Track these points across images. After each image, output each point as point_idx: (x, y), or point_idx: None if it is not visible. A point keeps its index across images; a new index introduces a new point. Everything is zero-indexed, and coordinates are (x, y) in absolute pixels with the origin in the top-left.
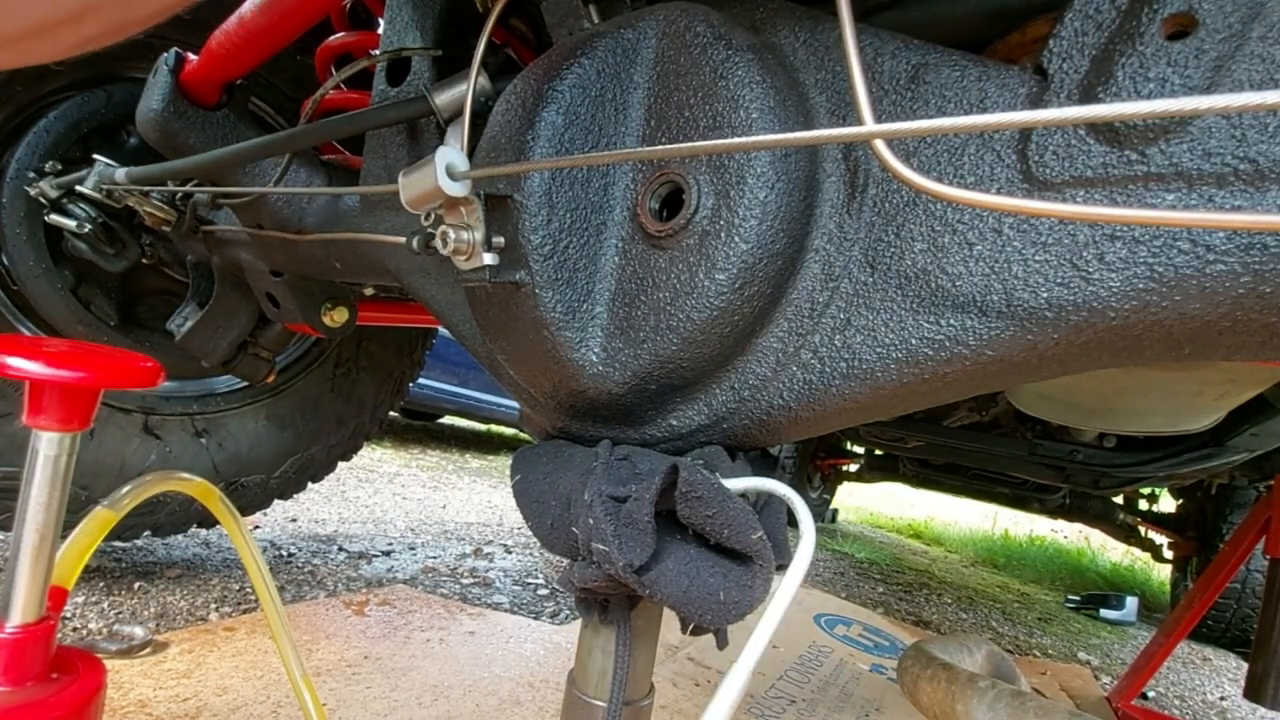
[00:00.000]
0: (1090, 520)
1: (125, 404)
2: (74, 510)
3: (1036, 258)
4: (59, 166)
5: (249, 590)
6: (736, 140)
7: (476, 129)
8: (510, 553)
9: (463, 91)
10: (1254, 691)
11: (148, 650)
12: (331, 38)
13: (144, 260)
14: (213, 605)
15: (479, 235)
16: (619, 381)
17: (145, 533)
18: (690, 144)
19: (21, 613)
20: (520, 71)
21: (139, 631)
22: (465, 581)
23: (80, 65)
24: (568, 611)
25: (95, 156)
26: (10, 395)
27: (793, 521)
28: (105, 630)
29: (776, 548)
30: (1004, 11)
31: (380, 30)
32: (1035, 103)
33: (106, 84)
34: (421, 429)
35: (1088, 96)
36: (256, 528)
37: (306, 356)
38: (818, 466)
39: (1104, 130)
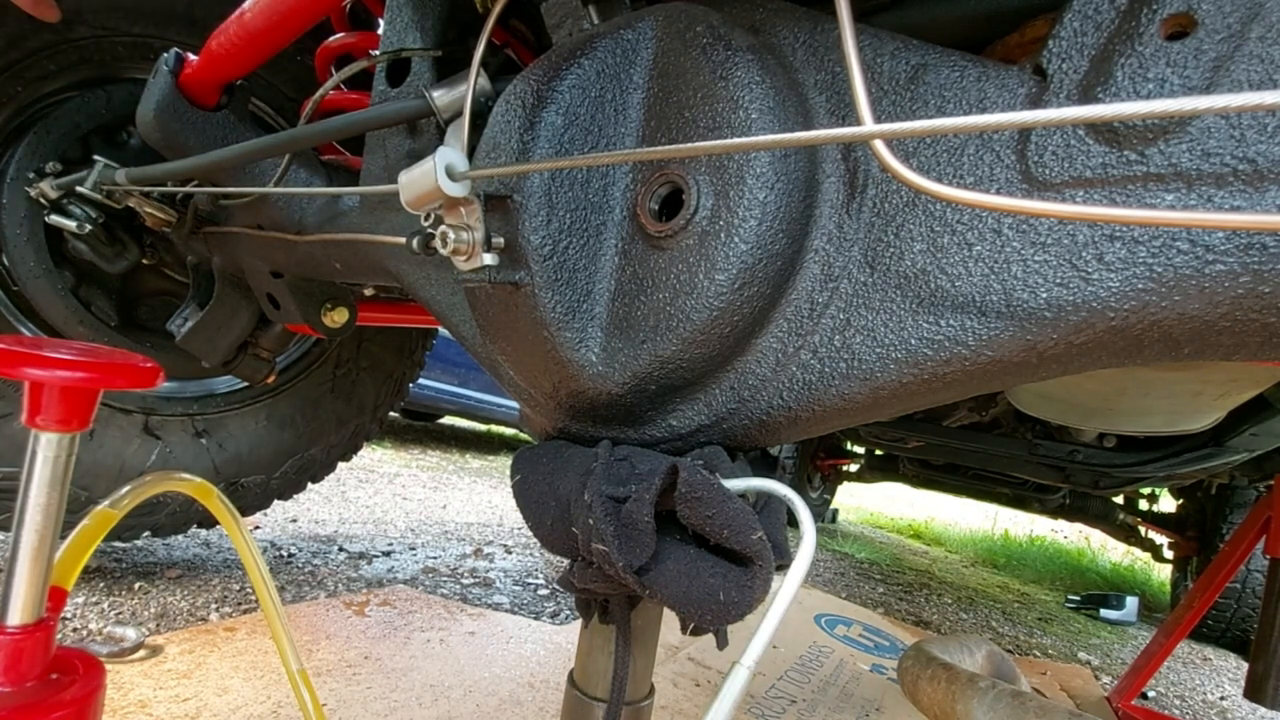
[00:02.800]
0: (1090, 520)
1: (125, 405)
2: (74, 510)
3: (1036, 258)
4: (59, 167)
5: (249, 590)
6: (736, 140)
7: (476, 129)
8: (510, 553)
9: (462, 92)
10: (1254, 691)
11: (140, 653)
12: (331, 38)
13: (144, 261)
14: (213, 605)
15: (479, 235)
16: (618, 382)
17: (144, 533)
18: (690, 144)
19: (21, 613)
20: (520, 72)
21: (131, 633)
22: (465, 582)
23: (80, 66)
24: (568, 611)
25: (95, 157)
26: (11, 395)
27: (793, 522)
28: (101, 632)
29: (776, 548)
30: (1003, 12)
31: (380, 31)
32: (1034, 103)
33: (107, 84)
34: (421, 429)
35: (1087, 97)
36: (256, 528)
37: (307, 357)
38: (818, 466)
39: (1103, 130)
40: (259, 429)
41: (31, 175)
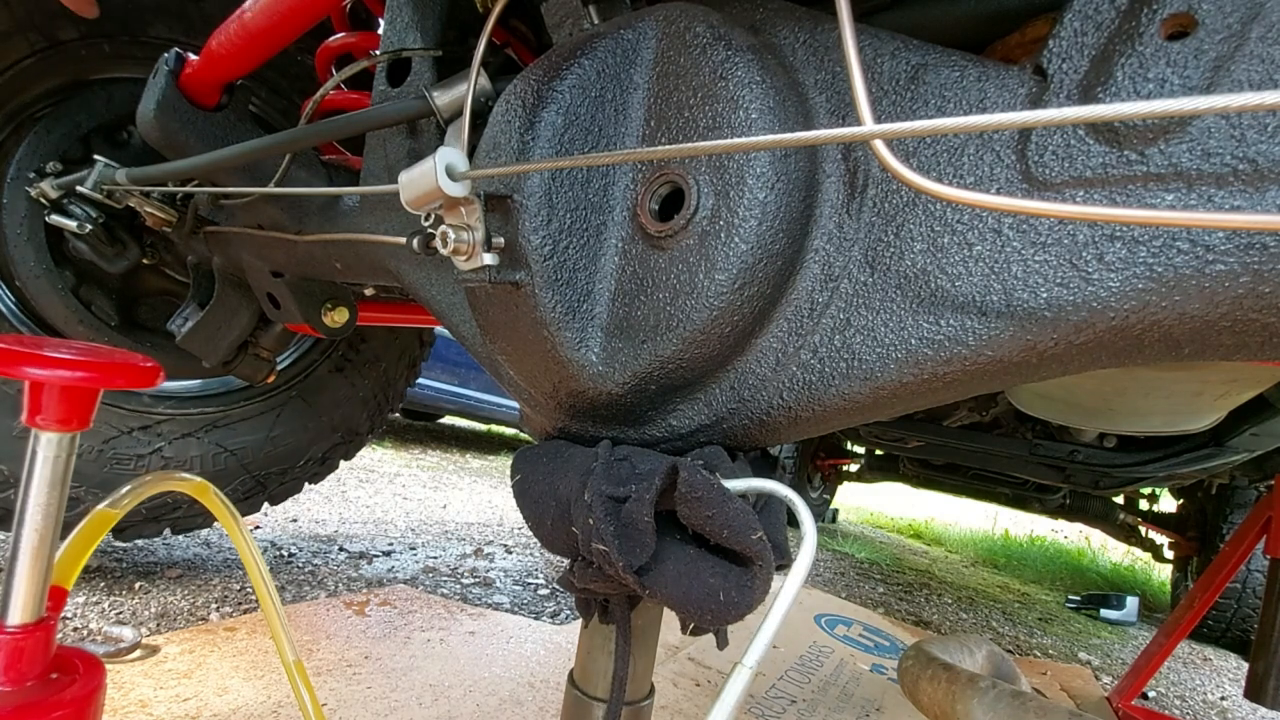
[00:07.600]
0: (1090, 520)
1: None
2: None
3: (1036, 258)
4: (60, 167)
5: (249, 590)
6: (736, 140)
7: (476, 129)
8: (511, 553)
9: (463, 92)
10: (1254, 691)
11: (137, 652)
12: (332, 38)
13: (145, 261)
14: (213, 605)
15: (479, 235)
16: (619, 381)
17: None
18: (690, 144)
19: (21, 613)
20: (520, 72)
21: (128, 633)
22: (466, 581)
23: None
24: (568, 611)
25: (96, 157)
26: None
27: (793, 522)
28: (99, 632)
29: (776, 548)
30: (1003, 12)
31: (380, 31)
32: (1035, 103)
33: (107, 84)
34: (421, 429)
35: (1087, 97)
36: (257, 528)
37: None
38: (818, 466)
39: (1103, 130)
40: None
41: (32, 175)
